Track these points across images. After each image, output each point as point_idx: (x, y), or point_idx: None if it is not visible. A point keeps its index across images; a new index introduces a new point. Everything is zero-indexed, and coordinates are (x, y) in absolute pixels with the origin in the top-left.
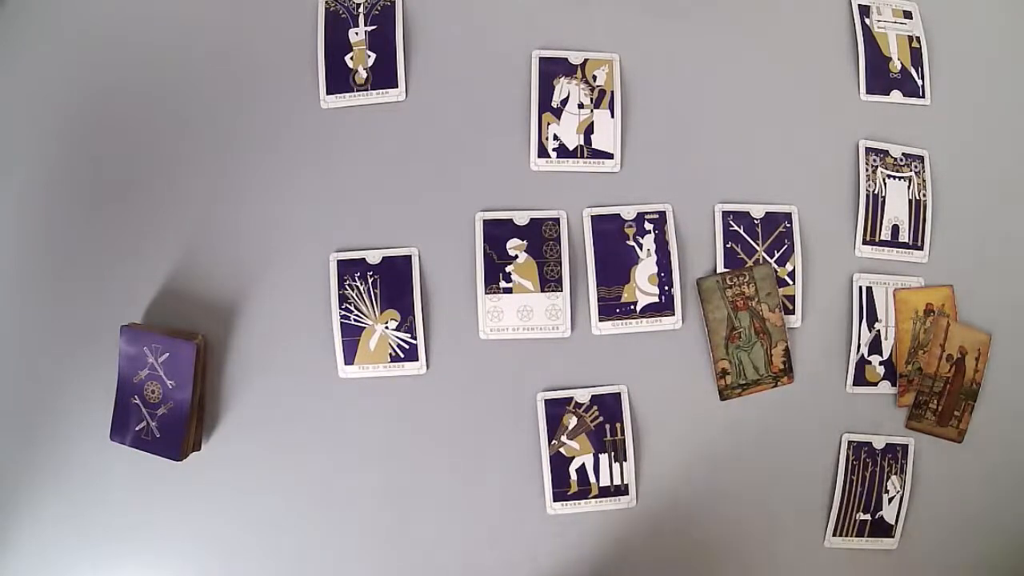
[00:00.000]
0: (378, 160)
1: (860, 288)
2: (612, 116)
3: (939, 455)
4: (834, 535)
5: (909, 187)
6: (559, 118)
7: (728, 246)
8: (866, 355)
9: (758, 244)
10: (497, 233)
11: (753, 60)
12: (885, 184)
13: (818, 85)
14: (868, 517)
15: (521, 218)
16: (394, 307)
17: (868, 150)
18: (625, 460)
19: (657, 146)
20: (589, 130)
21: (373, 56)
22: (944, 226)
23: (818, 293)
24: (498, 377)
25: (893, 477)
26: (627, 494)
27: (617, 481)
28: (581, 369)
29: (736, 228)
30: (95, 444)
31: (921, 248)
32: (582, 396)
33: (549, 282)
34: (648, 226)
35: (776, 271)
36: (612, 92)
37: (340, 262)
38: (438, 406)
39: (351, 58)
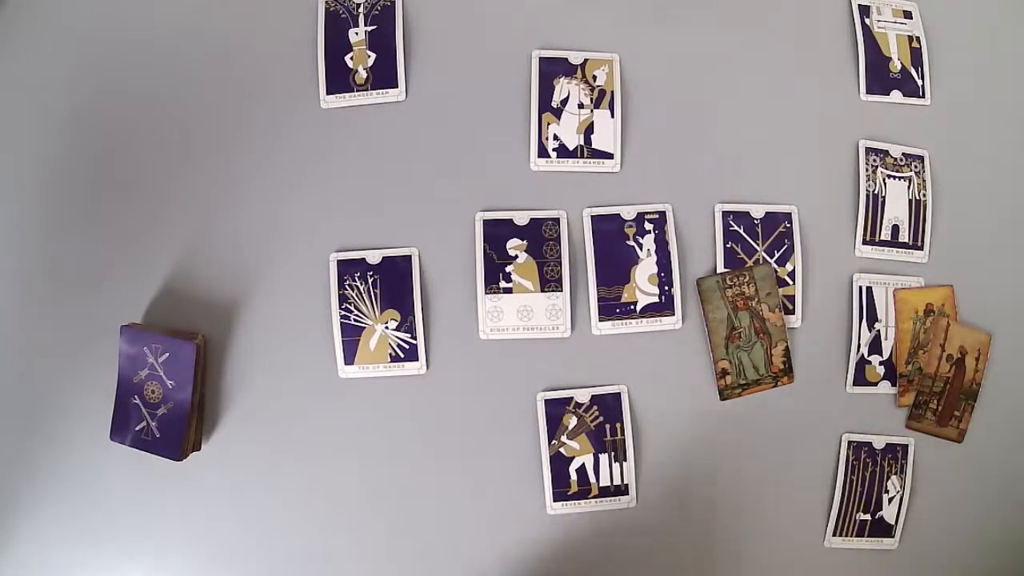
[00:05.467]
0: (378, 160)
1: (860, 288)
2: (612, 116)
3: (939, 455)
4: (834, 535)
5: (909, 187)
6: (559, 118)
7: (728, 246)
8: (866, 355)
9: (758, 244)
10: (497, 233)
11: (753, 60)
12: (885, 184)
13: (818, 85)
14: (868, 517)
15: (521, 218)
16: (394, 307)
17: (868, 150)
18: (625, 460)
19: (657, 146)
20: (589, 130)
21: (373, 56)
22: (944, 226)
23: (818, 293)
24: (498, 377)
25: (893, 477)
26: (627, 494)
27: (617, 481)
28: (581, 369)
29: (736, 228)
30: (95, 444)
31: (921, 248)
32: (582, 396)
33: (549, 282)
34: (648, 226)
35: (776, 271)
36: (612, 92)
37: (340, 262)
38: (438, 406)
39: (351, 58)
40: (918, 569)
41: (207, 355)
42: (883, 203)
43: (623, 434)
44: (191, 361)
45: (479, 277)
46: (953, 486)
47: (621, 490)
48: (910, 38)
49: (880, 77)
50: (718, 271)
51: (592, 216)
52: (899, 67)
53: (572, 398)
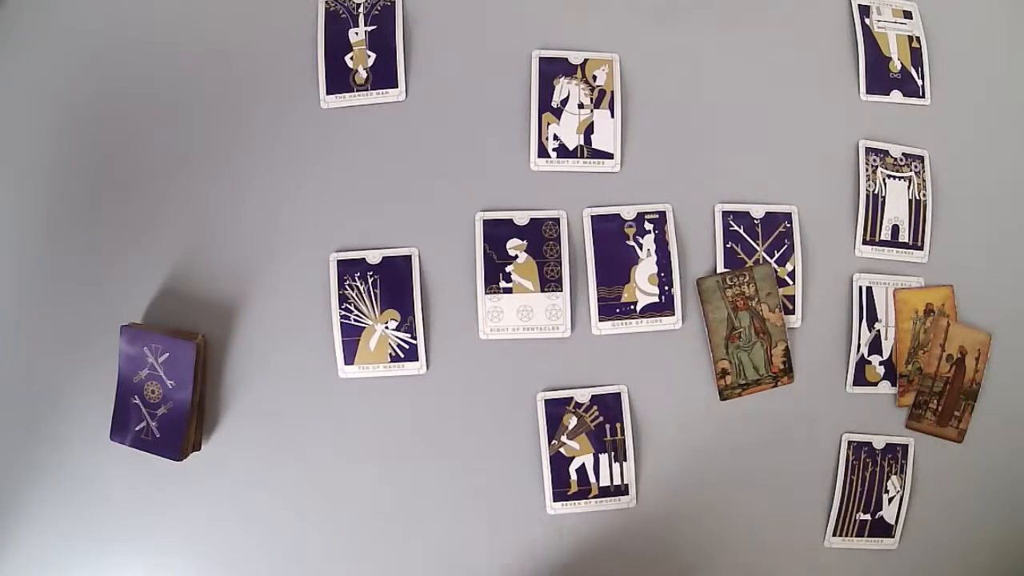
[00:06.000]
0: (378, 160)
1: (860, 288)
2: (612, 116)
3: (939, 455)
4: (834, 535)
5: (909, 187)
6: (559, 118)
7: (728, 246)
8: (866, 355)
9: (758, 244)
10: (497, 233)
11: (753, 60)
12: (885, 184)
13: (818, 85)
14: (868, 517)
15: (521, 218)
16: (394, 307)
17: (868, 150)
18: (625, 460)
19: (657, 146)
20: (589, 130)
21: (373, 56)
22: (944, 226)
23: (818, 293)
24: (498, 377)
25: (893, 477)
26: (627, 494)
27: (617, 481)
28: (581, 369)
29: (736, 228)
30: (95, 444)
31: (921, 248)
32: (582, 396)
33: (549, 282)
34: (648, 226)
35: (776, 271)
36: (612, 92)
37: (340, 262)
38: (438, 406)
39: (351, 58)
40: (918, 569)
41: (207, 355)
42: (883, 203)
43: (623, 434)
44: (191, 361)
45: (479, 277)
46: (953, 486)
47: (621, 490)
48: (910, 38)
49: (880, 77)
50: (718, 271)
51: (592, 216)
52: (899, 67)
53: (572, 398)
